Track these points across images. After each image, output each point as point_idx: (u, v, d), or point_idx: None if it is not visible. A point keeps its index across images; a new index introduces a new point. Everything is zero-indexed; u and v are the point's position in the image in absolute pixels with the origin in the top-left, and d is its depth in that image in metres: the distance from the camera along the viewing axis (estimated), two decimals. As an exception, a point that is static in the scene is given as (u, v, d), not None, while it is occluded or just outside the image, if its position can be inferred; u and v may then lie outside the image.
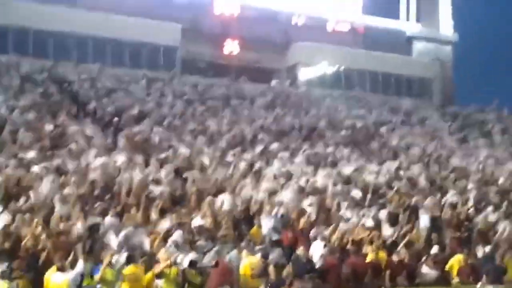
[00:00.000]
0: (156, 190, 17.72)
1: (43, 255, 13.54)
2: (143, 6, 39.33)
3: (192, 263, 14.00)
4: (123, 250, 13.97)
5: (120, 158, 20.00)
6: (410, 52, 49.66)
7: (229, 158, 22.79)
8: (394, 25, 49.14)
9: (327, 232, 16.73)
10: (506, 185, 24.36)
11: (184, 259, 14.02)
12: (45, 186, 16.72)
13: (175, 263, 13.83)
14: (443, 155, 29.20)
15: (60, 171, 18.51)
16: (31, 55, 34.23)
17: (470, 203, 21.20)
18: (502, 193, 22.99)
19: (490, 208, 20.56)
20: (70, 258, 12.98)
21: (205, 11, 42.16)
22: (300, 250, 15.45)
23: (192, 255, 14.14)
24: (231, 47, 42.42)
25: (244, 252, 15.15)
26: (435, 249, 17.29)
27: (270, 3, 44.36)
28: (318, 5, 45.86)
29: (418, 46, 49.86)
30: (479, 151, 30.82)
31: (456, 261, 16.80)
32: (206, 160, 21.53)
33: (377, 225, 18.11)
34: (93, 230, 14.81)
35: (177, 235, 14.97)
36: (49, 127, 22.66)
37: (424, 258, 16.74)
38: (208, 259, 14.63)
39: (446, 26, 51.22)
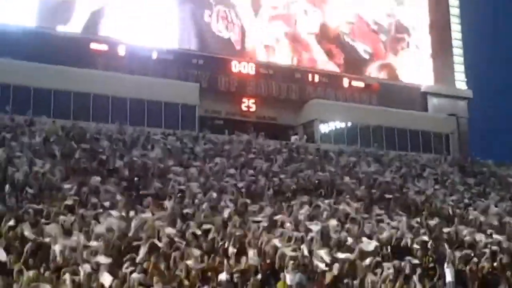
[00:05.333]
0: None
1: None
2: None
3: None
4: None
5: (145, 216, 20.12)
6: (425, 107, 49.99)
7: (251, 213, 22.91)
8: (409, 81, 49.80)
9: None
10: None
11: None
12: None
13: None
14: (462, 209, 29.23)
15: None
16: (51, 115, 34.67)
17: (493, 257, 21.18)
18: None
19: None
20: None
21: (222, 70, 43.03)
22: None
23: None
24: (248, 104, 43.17)
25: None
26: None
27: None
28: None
29: (433, 101, 50.21)
30: (498, 205, 30.79)
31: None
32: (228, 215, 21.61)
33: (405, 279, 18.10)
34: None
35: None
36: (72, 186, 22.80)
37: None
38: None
39: (461, 82, 51.79)
